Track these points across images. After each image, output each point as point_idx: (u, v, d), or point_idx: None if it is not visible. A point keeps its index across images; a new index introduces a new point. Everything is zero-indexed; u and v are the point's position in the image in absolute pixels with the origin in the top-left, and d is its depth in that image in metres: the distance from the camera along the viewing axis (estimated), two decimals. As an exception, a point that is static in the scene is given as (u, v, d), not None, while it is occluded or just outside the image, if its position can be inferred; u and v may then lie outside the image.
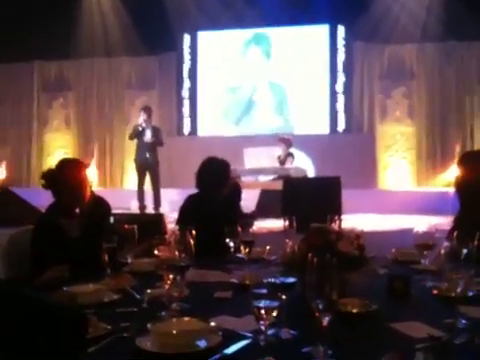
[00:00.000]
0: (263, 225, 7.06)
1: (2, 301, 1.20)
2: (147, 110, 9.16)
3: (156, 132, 9.06)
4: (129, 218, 3.16)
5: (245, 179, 8.52)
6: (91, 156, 12.09)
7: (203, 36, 12.02)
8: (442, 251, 2.08)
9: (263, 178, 8.96)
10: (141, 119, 9.04)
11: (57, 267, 2.37)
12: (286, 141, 9.32)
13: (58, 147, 12.59)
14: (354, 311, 1.73)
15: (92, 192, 2.82)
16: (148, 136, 8.95)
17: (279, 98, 11.57)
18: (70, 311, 1.32)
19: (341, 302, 1.72)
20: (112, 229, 2.31)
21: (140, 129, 8.98)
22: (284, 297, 1.42)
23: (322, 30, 11.42)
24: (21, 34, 10.90)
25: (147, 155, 8.94)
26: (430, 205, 8.69)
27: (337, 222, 2.52)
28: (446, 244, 2.09)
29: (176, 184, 9.76)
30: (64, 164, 2.76)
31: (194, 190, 3.39)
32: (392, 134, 11.10)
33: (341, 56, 11.27)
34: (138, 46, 11.35)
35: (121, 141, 12.07)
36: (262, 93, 11.66)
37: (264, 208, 8.27)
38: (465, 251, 2.05)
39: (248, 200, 7.90)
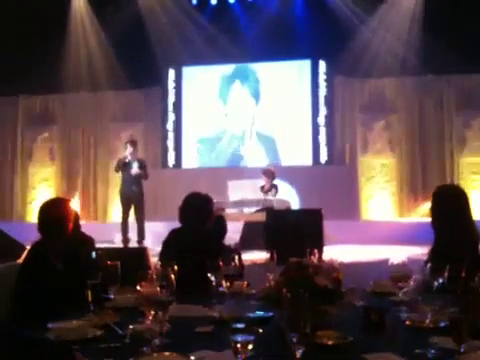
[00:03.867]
0: (247, 257, 7.08)
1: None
2: (133, 143, 9.24)
3: (141, 165, 9.13)
4: (112, 253, 3.19)
5: (229, 211, 8.59)
6: (75, 189, 12.08)
7: (188, 71, 12.22)
8: (411, 283, 2.15)
9: (247, 210, 9.02)
10: (127, 152, 9.11)
11: None
12: (269, 173, 9.41)
13: (42, 180, 12.56)
14: (329, 343, 1.80)
15: (77, 226, 2.88)
16: (134, 169, 9.01)
17: (268, 145, 11.73)
18: (57, 346, 1.37)
19: (317, 334, 1.79)
20: (95, 265, 2.35)
21: (126, 161, 9.04)
22: (261, 331, 1.48)
23: (304, 65, 11.68)
24: (6, 68, 10.98)
25: (132, 188, 8.98)
26: (412, 235, 8.77)
27: (317, 255, 2.59)
28: (417, 276, 2.16)
29: (160, 217, 9.78)
30: (43, 205, 2.84)
31: (178, 223, 3.45)
32: (373, 166, 11.28)
33: (323, 90, 11.52)
34: (123, 80, 11.48)
35: (105, 174, 12.10)
36: (248, 135, 11.83)
37: (248, 240, 8.32)
38: (437, 283, 2.14)
39: (232, 232, 7.94)
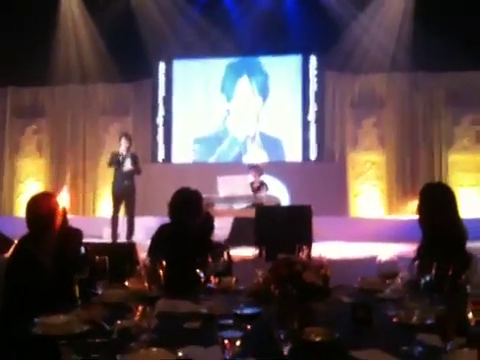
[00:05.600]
0: (236, 253, 7.09)
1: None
2: (127, 137, 9.15)
3: (135, 160, 9.09)
4: (100, 248, 3.18)
5: (219, 207, 8.57)
6: (63, 183, 12.00)
7: (178, 64, 12.16)
8: (399, 280, 2.17)
9: (237, 206, 9.02)
10: (123, 147, 9.03)
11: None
12: (256, 169, 9.40)
13: (30, 174, 12.46)
14: (317, 340, 1.81)
15: (65, 220, 2.87)
16: (128, 165, 8.96)
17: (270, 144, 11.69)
18: (42, 341, 1.36)
19: (305, 331, 1.80)
20: (83, 260, 2.35)
21: (120, 159, 8.98)
22: (249, 327, 1.49)
23: (295, 60, 11.68)
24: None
25: (125, 183, 8.94)
26: (400, 233, 8.82)
27: (306, 251, 2.59)
28: (405, 273, 2.18)
29: (150, 211, 9.75)
30: (31, 200, 2.83)
31: (168, 218, 3.43)
32: (363, 162, 11.31)
33: (313, 85, 11.51)
34: (113, 73, 11.40)
35: (94, 168, 12.03)
36: (252, 135, 11.80)
37: (238, 236, 8.32)
38: (424, 281, 2.16)
39: (222, 228, 7.95)
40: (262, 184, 9.24)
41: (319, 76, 11.50)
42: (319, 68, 11.49)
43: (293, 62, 11.70)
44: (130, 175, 8.98)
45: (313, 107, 11.47)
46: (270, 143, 11.64)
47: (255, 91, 11.82)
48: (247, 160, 11.28)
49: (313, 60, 11.54)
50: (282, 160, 11.52)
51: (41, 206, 2.78)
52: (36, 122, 12.50)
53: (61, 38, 11.93)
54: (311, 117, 11.46)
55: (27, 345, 1.32)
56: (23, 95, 12.53)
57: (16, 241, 2.94)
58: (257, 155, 11.48)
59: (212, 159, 11.85)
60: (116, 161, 9.01)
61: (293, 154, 11.49)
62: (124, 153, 8.99)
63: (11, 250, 2.86)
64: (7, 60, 10.85)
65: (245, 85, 11.89)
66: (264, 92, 11.76)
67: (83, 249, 2.50)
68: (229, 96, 11.90)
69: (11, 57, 10.84)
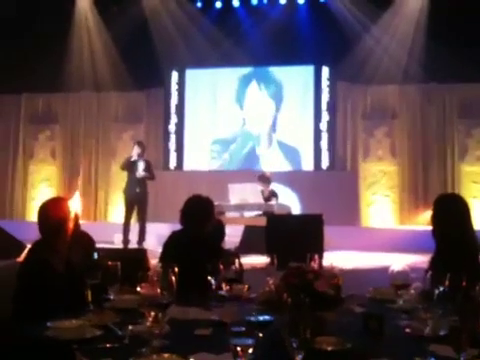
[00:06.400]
0: (247, 261, 7.08)
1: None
2: (140, 145, 9.26)
3: (148, 166, 9.14)
4: (112, 253, 3.19)
5: (230, 214, 8.58)
6: (75, 189, 12.06)
7: (191, 73, 12.23)
8: (412, 291, 2.15)
9: (248, 214, 9.02)
10: (134, 152, 9.12)
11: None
12: (264, 179, 9.38)
13: (42, 179, 12.57)
14: (328, 349, 1.80)
15: (77, 225, 2.88)
16: (140, 170, 9.02)
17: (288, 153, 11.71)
18: (57, 345, 1.37)
19: (317, 340, 1.79)
20: (96, 265, 2.36)
21: (132, 160, 9.05)
22: (261, 335, 1.48)
23: (307, 71, 11.70)
24: (9, 66, 11.01)
25: (137, 189, 9.00)
26: (412, 243, 8.78)
27: (317, 260, 2.58)
28: (418, 284, 2.16)
29: (161, 218, 9.78)
30: (43, 206, 2.85)
31: (179, 225, 3.44)
32: (374, 172, 11.28)
33: (325, 96, 11.52)
34: (126, 81, 11.50)
35: (106, 174, 12.11)
36: (266, 141, 11.82)
37: (248, 244, 8.33)
38: (437, 291, 2.14)
39: (233, 235, 7.95)
40: (273, 194, 9.21)
41: (331, 87, 11.52)
42: (331, 79, 11.51)
43: (305, 73, 11.71)
44: (143, 181, 9.04)
45: (325, 117, 11.47)
46: (289, 152, 11.63)
47: (266, 97, 11.84)
48: (265, 167, 11.29)
49: (325, 71, 11.55)
50: (300, 169, 11.49)
51: (53, 211, 2.79)
52: (49, 128, 12.62)
53: (75, 46, 12.06)
54: (323, 127, 11.46)
55: (40, 349, 1.33)
56: (37, 101, 12.66)
57: (29, 246, 2.96)
58: (275, 163, 11.46)
59: (226, 156, 11.83)
60: (129, 164, 9.07)
61: (305, 163, 11.50)
62: (136, 158, 9.05)
63: (24, 254, 2.88)
64: (21, 67, 10.99)
65: (255, 91, 11.92)
66: (277, 100, 11.78)
67: (96, 254, 2.52)
68: (242, 104, 11.94)
69: (25, 64, 10.97)
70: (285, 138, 11.67)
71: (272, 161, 11.57)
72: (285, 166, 11.51)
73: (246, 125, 11.89)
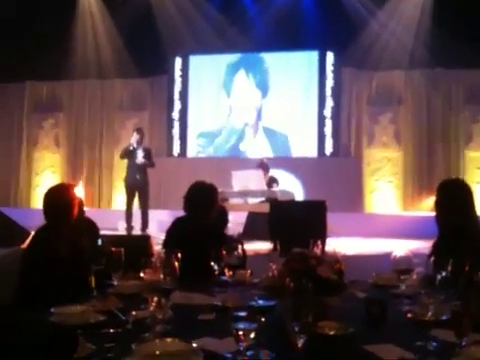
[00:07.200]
0: (250, 247, 7.10)
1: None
2: (139, 131, 9.26)
3: (147, 153, 9.14)
4: (116, 240, 3.21)
5: (233, 201, 8.59)
6: (79, 176, 12.11)
7: (194, 60, 12.18)
8: (414, 276, 2.15)
9: (251, 200, 9.03)
10: (133, 140, 9.12)
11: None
12: (263, 165, 9.41)
13: (47, 167, 12.61)
14: (331, 333, 1.80)
15: (81, 212, 2.89)
16: (139, 157, 9.02)
17: (275, 140, 11.68)
18: (61, 330, 1.38)
19: (319, 325, 1.79)
20: (100, 251, 2.37)
21: (131, 149, 9.06)
22: (263, 319, 1.49)
23: (312, 56, 11.63)
24: (14, 54, 10.99)
25: (137, 176, 9.00)
26: (415, 229, 8.78)
27: (320, 246, 2.58)
28: (421, 270, 2.16)
29: (165, 205, 9.81)
30: (49, 191, 2.86)
31: (183, 211, 3.45)
32: (379, 159, 11.26)
33: (330, 81, 11.46)
34: (130, 68, 11.48)
35: (110, 162, 12.14)
36: (252, 129, 11.79)
37: (252, 230, 8.34)
38: (440, 277, 2.14)
39: (236, 222, 7.98)
40: (272, 180, 9.23)
41: (336, 72, 11.45)
42: (336, 64, 11.44)
43: (310, 58, 11.64)
44: (142, 168, 9.03)
45: (329, 103, 11.41)
46: (274, 137, 11.61)
47: (253, 85, 11.78)
48: (250, 154, 11.27)
49: (330, 56, 11.48)
50: (288, 155, 11.47)
51: (58, 197, 2.80)
52: (54, 116, 12.63)
53: (79, 33, 12.03)
54: (327, 113, 11.41)
55: (45, 334, 1.34)
56: (41, 89, 12.66)
57: (33, 232, 2.98)
58: (259, 149, 11.46)
59: (210, 150, 11.85)
60: (127, 152, 9.07)
61: (309, 149, 11.45)
62: (135, 146, 9.05)
63: (28, 240, 2.90)
64: (25, 55, 10.97)
65: (243, 79, 11.86)
66: (263, 87, 11.69)
67: (100, 241, 2.53)
68: (236, 92, 11.92)
69: (29, 52, 10.95)
70: (290, 124, 11.62)
71: (261, 146, 11.52)
72: (277, 152, 11.46)
73: (232, 115, 11.83)
